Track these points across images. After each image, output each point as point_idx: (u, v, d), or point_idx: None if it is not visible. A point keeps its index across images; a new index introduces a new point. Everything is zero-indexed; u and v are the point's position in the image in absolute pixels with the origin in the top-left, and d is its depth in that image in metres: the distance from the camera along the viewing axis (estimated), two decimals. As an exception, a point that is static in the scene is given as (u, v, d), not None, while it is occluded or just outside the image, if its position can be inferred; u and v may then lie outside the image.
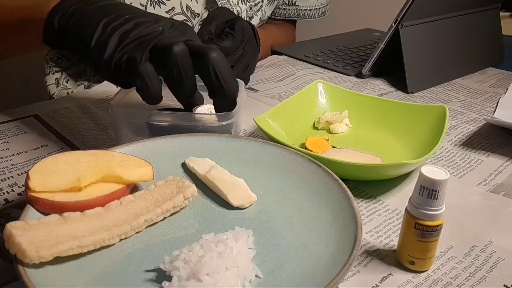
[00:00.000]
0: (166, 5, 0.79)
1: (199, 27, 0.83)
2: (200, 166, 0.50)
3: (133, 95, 0.54)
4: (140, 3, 0.77)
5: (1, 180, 0.53)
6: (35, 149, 0.60)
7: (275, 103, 0.69)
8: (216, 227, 0.43)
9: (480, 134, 0.67)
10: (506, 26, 1.04)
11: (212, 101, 0.57)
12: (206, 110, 0.60)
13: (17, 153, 0.59)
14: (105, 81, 0.81)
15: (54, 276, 0.36)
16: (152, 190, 0.45)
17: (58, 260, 0.36)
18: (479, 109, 0.77)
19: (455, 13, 0.89)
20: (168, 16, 0.80)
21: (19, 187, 0.51)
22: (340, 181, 0.46)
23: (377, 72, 0.90)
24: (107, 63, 0.49)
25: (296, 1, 1.06)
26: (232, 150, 0.53)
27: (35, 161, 0.56)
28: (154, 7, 0.78)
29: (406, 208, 0.40)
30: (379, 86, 0.86)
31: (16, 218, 0.39)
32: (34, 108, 0.71)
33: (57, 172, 0.43)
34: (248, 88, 0.82)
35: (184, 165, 0.52)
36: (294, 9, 1.07)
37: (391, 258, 0.43)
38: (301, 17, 1.09)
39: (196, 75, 0.51)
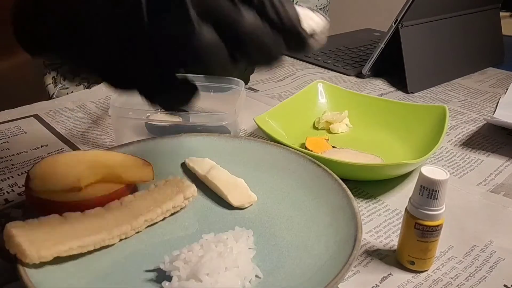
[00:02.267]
0: None
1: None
2: (200, 166, 0.50)
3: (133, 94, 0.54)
4: None
5: (1, 180, 0.53)
6: (35, 149, 0.60)
7: (275, 103, 0.69)
8: (216, 227, 0.43)
9: (480, 134, 0.67)
10: (506, 26, 1.04)
11: (210, 101, 0.56)
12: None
13: (17, 153, 0.58)
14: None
15: (54, 276, 0.36)
16: (152, 190, 0.45)
17: (58, 260, 0.36)
18: (479, 109, 0.77)
19: (455, 13, 0.89)
20: None
21: (19, 187, 0.51)
22: (340, 181, 0.46)
23: (377, 72, 0.90)
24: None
25: (297, 2, 1.06)
26: (232, 150, 0.53)
27: (35, 161, 0.56)
28: None
29: (406, 208, 0.40)
30: (379, 86, 0.86)
31: (16, 218, 0.39)
32: (34, 108, 0.71)
33: (57, 172, 0.43)
34: (248, 88, 0.82)
35: (184, 165, 0.52)
36: None
37: (391, 258, 0.43)
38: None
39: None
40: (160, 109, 0.57)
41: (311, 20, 0.35)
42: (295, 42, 0.34)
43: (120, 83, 0.33)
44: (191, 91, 0.34)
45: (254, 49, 0.32)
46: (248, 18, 0.31)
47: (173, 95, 0.34)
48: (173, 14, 0.29)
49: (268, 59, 0.33)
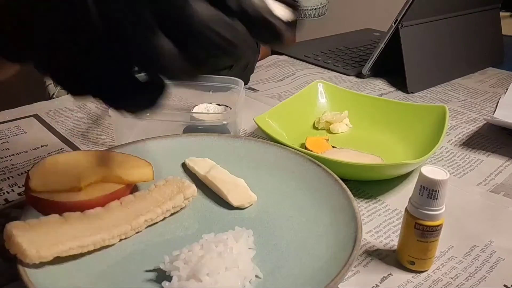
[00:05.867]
0: None
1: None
2: (200, 166, 0.50)
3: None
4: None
5: (1, 180, 0.53)
6: (35, 149, 0.60)
7: (275, 103, 0.69)
8: (216, 227, 0.43)
9: (480, 134, 0.67)
10: (506, 26, 1.04)
11: (209, 100, 0.56)
12: (202, 109, 0.60)
13: (17, 153, 0.59)
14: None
15: (54, 276, 0.36)
16: (152, 190, 0.45)
17: (58, 260, 0.36)
18: (479, 109, 0.77)
19: (455, 13, 0.89)
20: None
21: (19, 187, 0.51)
22: (340, 181, 0.46)
23: (377, 72, 0.90)
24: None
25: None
26: (232, 150, 0.53)
27: (35, 161, 0.56)
28: None
29: (406, 208, 0.40)
30: (379, 86, 0.86)
31: (16, 218, 0.39)
32: (34, 108, 0.71)
33: (57, 172, 0.43)
34: (248, 88, 0.82)
35: (184, 165, 0.52)
36: None
37: (391, 258, 0.43)
38: (302, 17, 1.09)
39: None
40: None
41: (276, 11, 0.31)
42: (267, 32, 0.30)
43: (73, 86, 0.29)
44: (157, 90, 0.30)
45: (211, 45, 0.28)
46: (200, 11, 0.27)
47: (135, 97, 0.30)
48: (125, 15, 0.26)
49: (233, 53, 0.29)
